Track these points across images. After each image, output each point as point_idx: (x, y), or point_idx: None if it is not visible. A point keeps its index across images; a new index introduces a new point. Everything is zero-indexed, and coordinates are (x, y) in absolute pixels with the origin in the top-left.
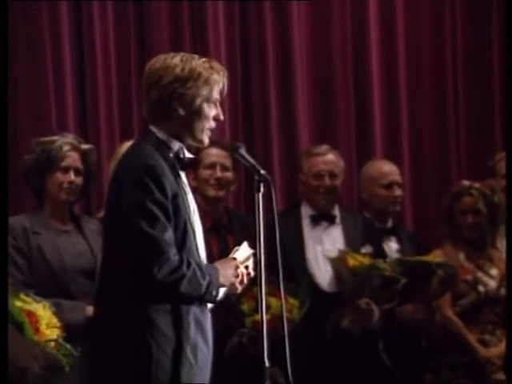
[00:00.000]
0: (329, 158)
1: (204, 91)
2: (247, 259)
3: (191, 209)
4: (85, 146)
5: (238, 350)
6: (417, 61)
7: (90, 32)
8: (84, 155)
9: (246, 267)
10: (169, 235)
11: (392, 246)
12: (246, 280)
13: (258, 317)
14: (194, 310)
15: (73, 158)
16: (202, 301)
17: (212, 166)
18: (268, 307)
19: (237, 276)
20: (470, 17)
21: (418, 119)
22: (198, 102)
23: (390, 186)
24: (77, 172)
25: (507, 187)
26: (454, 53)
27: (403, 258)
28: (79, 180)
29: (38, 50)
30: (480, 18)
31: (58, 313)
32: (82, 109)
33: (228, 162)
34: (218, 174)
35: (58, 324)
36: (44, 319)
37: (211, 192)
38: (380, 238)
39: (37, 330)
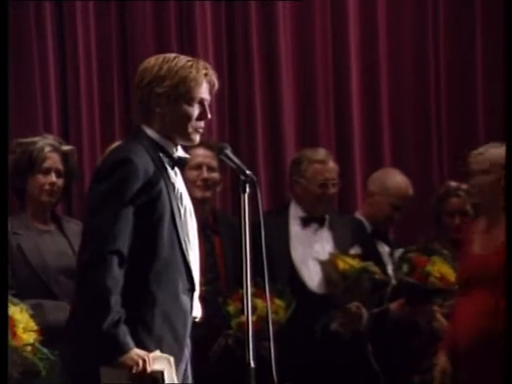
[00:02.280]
0: (331, 166)
1: (181, 90)
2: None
3: (181, 207)
4: (65, 148)
5: (224, 352)
6: (399, 64)
7: (72, 32)
8: (65, 156)
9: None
10: (110, 224)
11: (385, 249)
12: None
13: (244, 318)
14: (162, 302)
15: (53, 160)
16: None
17: (198, 167)
18: (254, 309)
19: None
20: (453, 17)
21: (399, 120)
22: (174, 100)
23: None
24: (58, 173)
25: (506, 185)
26: (436, 55)
27: (407, 279)
28: (60, 182)
29: (24, 50)
30: (463, 18)
31: (39, 314)
32: (64, 110)
33: (214, 163)
34: (205, 174)
35: (35, 327)
36: (21, 323)
37: (198, 193)
38: (371, 239)
39: (14, 334)
